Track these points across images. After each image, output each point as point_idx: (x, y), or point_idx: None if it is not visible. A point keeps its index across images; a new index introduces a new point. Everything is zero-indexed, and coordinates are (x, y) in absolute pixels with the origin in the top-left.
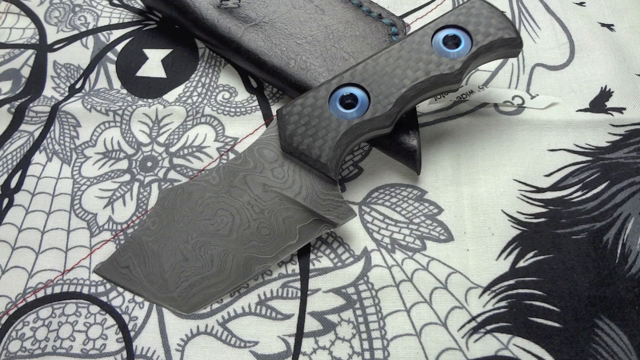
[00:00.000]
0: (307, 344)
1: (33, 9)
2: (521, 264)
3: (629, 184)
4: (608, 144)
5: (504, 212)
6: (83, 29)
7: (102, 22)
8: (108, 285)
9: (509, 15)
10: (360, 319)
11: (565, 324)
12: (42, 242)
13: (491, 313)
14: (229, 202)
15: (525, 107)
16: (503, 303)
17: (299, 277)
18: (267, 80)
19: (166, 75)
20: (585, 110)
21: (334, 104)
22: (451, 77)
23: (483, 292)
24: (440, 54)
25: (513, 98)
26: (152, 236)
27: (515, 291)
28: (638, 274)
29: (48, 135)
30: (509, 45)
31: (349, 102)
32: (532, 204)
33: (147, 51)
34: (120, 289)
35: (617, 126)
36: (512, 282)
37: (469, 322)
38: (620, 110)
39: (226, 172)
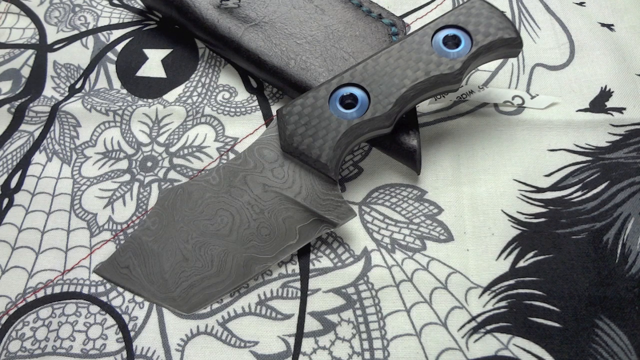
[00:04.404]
0: (307, 344)
1: (33, 9)
2: (521, 264)
3: (629, 184)
4: (608, 144)
5: (504, 212)
6: (83, 29)
7: (102, 22)
8: (108, 285)
9: (509, 15)
10: (360, 319)
11: (565, 324)
12: (42, 242)
13: (491, 313)
14: (229, 202)
15: (525, 107)
16: (503, 303)
17: (299, 277)
18: (267, 80)
19: (166, 75)
20: (585, 110)
21: (334, 104)
22: (451, 77)
23: (483, 292)
24: (440, 54)
25: (513, 98)
26: (152, 236)
27: (515, 291)
28: (638, 274)
29: (48, 135)
30: (509, 45)
31: (349, 102)
32: (532, 204)
33: (147, 51)
34: (120, 289)
35: (617, 126)
36: (512, 282)
37: (469, 322)
38: (620, 110)
39: (226, 172)
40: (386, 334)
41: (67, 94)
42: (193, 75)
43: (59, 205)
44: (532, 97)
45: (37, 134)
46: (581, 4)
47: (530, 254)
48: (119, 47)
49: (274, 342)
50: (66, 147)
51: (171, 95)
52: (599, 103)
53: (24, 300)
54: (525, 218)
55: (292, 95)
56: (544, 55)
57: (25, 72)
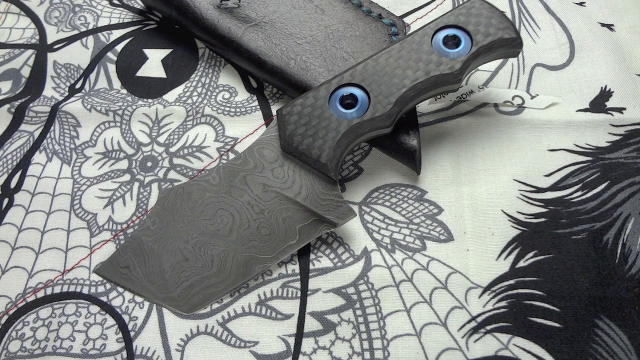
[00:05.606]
0: (307, 344)
1: (33, 9)
2: (521, 264)
3: (629, 184)
4: (608, 144)
5: (504, 212)
6: (83, 29)
7: (102, 22)
8: (108, 285)
9: (509, 15)
10: (360, 319)
11: (565, 324)
12: (42, 242)
13: (491, 313)
14: (229, 202)
15: (525, 107)
16: (503, 303)
17: (299, 277)
18: (267, 80)
19: (166, 75)
20: (585, 110)
21: (334, 104)
22: (451, 77)
23: (483, 292)
24: (440, 54)
25: (513, 98)
26: (152, 236)
27: (515, 291)
28: (638, 274)
29: (48, 135)
30: (509, 45)
31: (349, 102)
32: (532, 204)
33: (147, 51)
34: (120, 289)
35: (617, 126)
36: (512, 282)
37: (469, 322)
38: (620, 110)
39: (226, 172)
40: (386, 334)
41: (67, 94)
42: (193, 75)
43: (59, 205)
44: (532, 97)
45: (37, 134)
46: (581, 4)
47: (530, 254)
48: (119, 47)
49: (274, 342)
50: (66, 147)
51: (171, 95)
52: (599, 103)
53: (24, 300)
54: (525, 218)
55: (292, 95)
56: (544, 55)
57: (25, 72)
